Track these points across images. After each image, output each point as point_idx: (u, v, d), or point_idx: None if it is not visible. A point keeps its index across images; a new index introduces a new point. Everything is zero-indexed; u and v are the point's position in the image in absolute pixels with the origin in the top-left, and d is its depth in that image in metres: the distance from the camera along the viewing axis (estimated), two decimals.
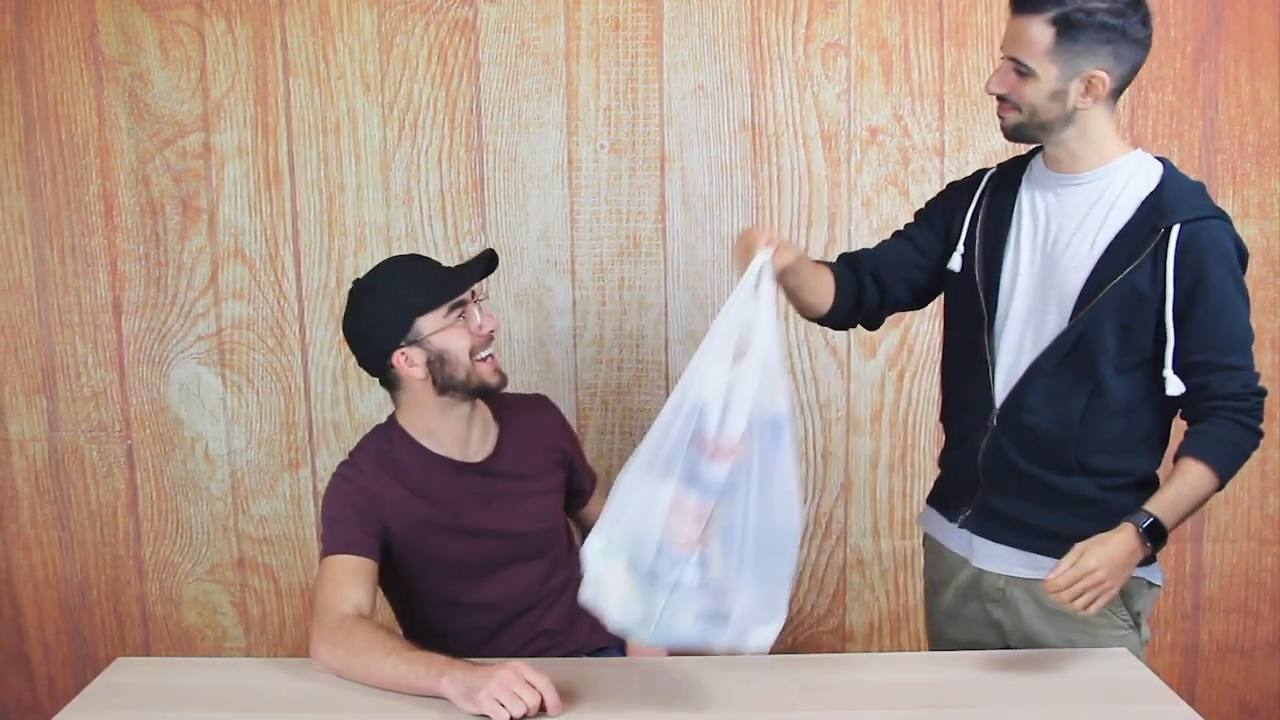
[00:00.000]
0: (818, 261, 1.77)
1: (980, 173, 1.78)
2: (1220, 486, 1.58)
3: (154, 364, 2.50)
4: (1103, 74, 1.53)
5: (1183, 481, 1.54)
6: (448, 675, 1.44)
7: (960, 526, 1.75)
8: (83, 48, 2.38)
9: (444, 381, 1.70)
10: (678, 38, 2.38)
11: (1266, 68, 2.37)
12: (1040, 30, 1.52)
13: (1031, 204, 1.67)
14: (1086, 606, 1.47)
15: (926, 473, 2.48)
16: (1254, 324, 2.38)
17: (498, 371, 1.75)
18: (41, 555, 2.58)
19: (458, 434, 1.77)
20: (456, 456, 1.77)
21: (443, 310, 1.68)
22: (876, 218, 2.41)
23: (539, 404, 1.93)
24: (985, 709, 1.48)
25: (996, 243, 1.68)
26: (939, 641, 1.85)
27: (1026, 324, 1.65)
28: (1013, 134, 1.63)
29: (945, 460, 1.83)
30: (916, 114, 2.39)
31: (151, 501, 2.55)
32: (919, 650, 2.49)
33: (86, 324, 2.49)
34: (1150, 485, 1.65)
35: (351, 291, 1.74)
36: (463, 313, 1.71)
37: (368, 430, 1.86)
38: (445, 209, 2.43)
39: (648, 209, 2.43)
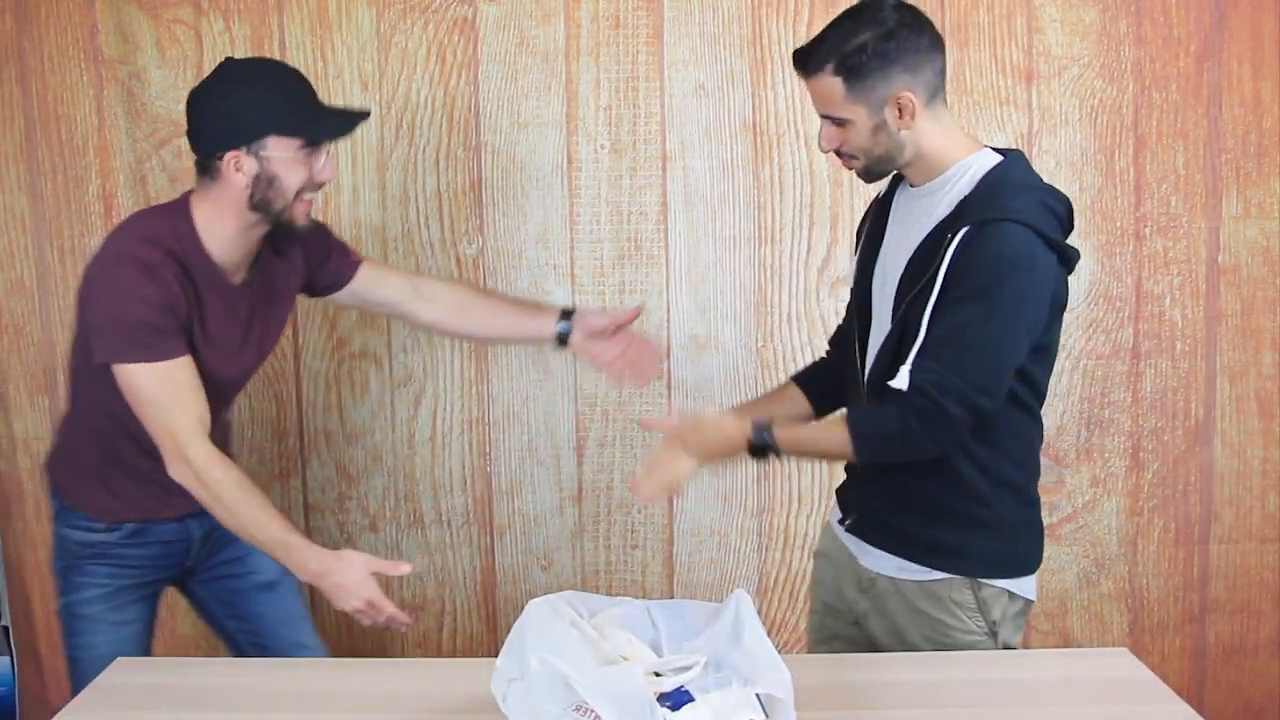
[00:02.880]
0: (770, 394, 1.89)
1: (877, 198, 1.80)
2: (850, 458, 1.60)
3: None
4: (906, 93, 1.54)
5: (819, 424, 1.75)
6: (325, 576, 1.60)
7: (847, 530, 1.76)
8: (82, 48, 2.39)
9: (260, 203, 1.66)
10: (678, 36, 2.37)
11: (1268, 67, 2.37)
12: (830, 83, 1.56)
13: (894, 216, 1.70)
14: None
15: None
16: (1255, 324, 2.40)
17: (307, 214, 1.71)
18: (47, 554, 2.53)
19: (241, 253, 1.73)
20: (230, 277, 1.73)
21: (299, 142, 1.64)
22: None
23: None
24: (985, 709, 1.48)
25: (870, 258, 1.72)
26: (813, 602, 1.90)
27: (880, 334, 1.66)
28: (866, 177, 1.66)
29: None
30: None
31: None
32: None
33: None
34: (1017, 490, 1.66)
35: (225, 66, 1.69)
36: (312, 152, 1.67)
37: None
38: (442, 210, 2.42)
39: (649, 210, 2.42)
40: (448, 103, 2.39)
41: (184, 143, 2.38)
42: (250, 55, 1.71)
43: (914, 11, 1.57)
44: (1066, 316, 2.45)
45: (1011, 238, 1.48)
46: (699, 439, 1.63)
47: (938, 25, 2.33)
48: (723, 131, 2.40)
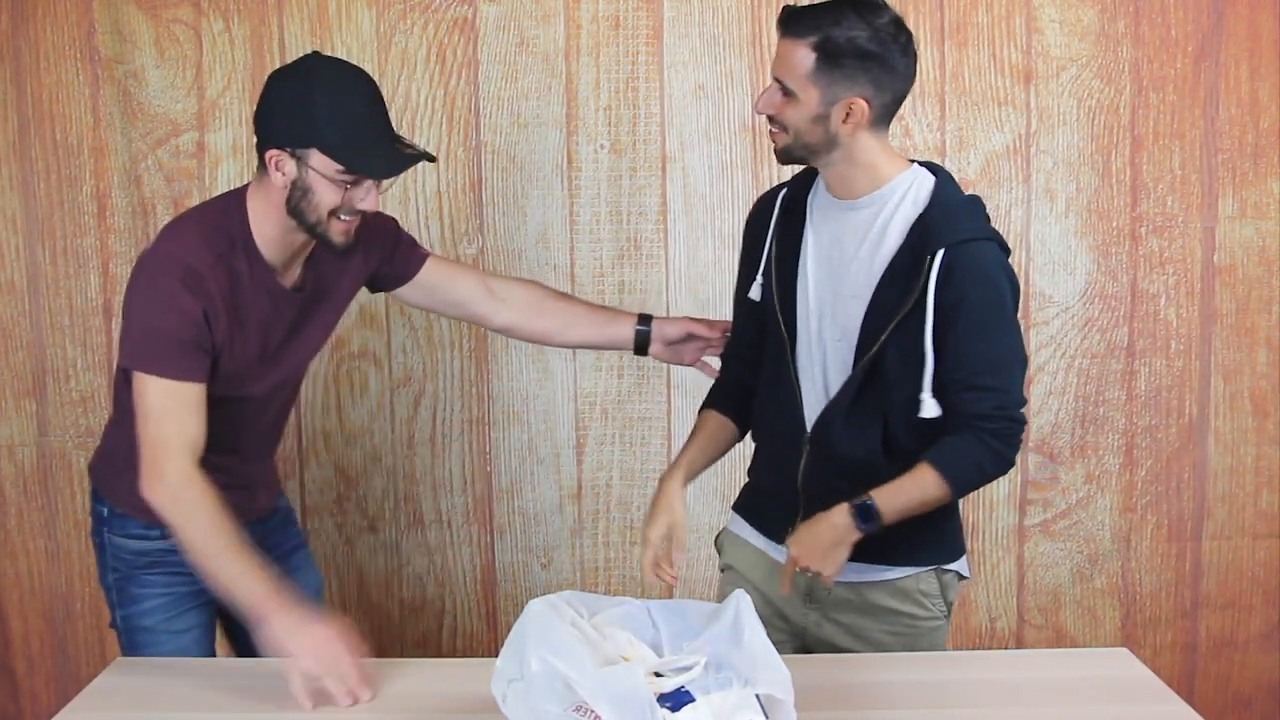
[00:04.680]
0: (692, 431, 1.81)
1: (774, 193, 1.75)
2: (949, 498, 1.60)
3: None
4: (862, 102, 1.54)
5: (909, 479, 1.58)
6: (269, 619, 1.47)
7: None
8: (79, 47, 2.36)
9: (295, 210, 1.59)
10: (678, 37, 2.37)
11: (1266, 68, 2.38)
12: (803, 54, 1.53)
13: (816, 228, 1.67)
14: (817, 576, 1.57)
15: None
16: (1250, 323, 2.43)
17: (346, 234, 1.62)
18: (28, 564, 2.53)
19: (289, 253, 1.65)
20: (280, 277, 1.66)
21: (340, 166, 1.55)
22: None
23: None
24: (985, 709, 1.48)
25: (790, 268, 1.68)
26: None
27: (821, 351, 1.65)
28: (782, 156, 1.63)
29: (760, 481, 1.81)
30: (917, 114, 2.38)
31: None
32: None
33: (77, 326, 2.45)
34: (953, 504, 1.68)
35: (307, 60, 1.60)
36: (356, 180, 1.58)
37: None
38: (442, 210, 2.41)
39: (649, 210, 2.42)
40: (448, 103, 2.38)
41: (181, 143, 2.40)
42: (301, 58, 1.61)
43: (909, 36, 1.56)
44: (1063, 315, 2.50)
45: (991, 255, 1.58)
46: (811, 547, 1.58)
47: (937, 25, 2.38)
48: (722, 132, 2.40)
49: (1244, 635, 2.56)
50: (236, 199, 1.65)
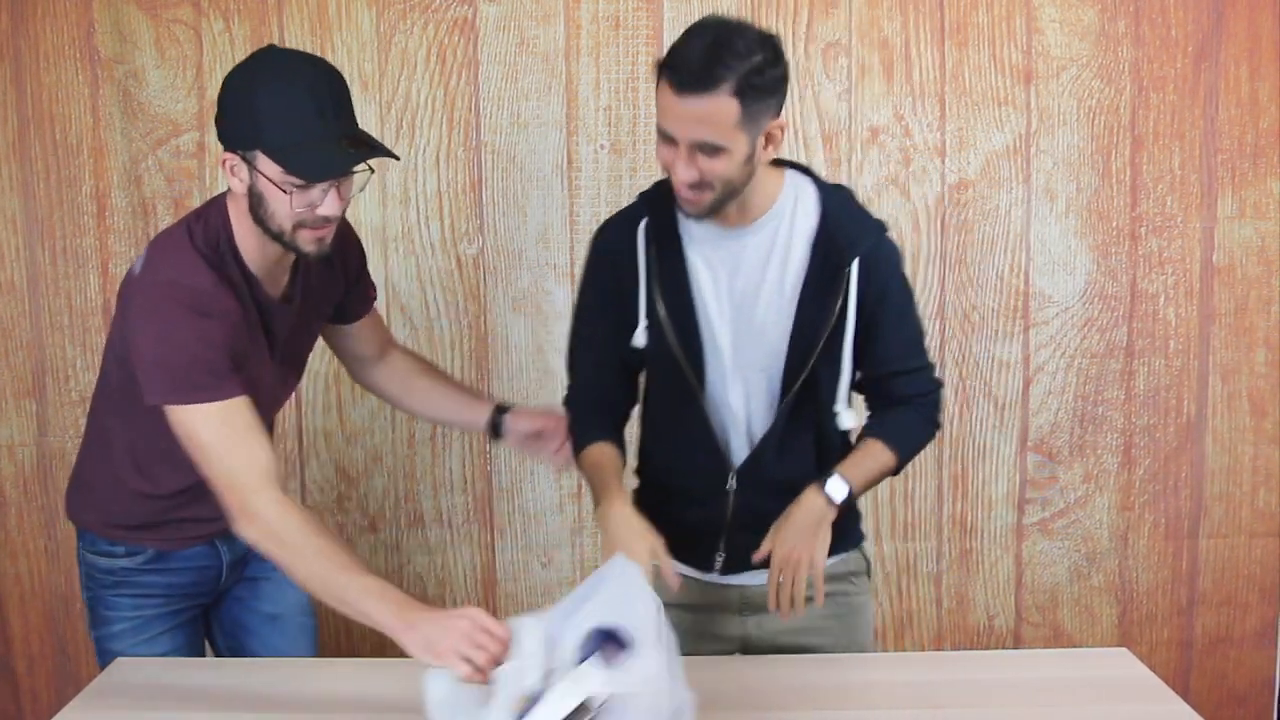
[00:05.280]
0: (596, 462, 1.66)
1: (628, 224, 1.62)
2: (897, 470, 1.66)
3: None
4: (779, 120, 1.47)
5: (864, 454, 1.62)
6: (411, 625, 1.33)
7: (721, 574, 1.71)
8: (79, 47, 2.36)
9: (258, 218, 1.47)
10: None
11: (1266, 68, 2.38)
12: (724, 104, 1.40)
13: (706, 261, 1.58)
14: (806, 594, 1.54)
15: (927, 473, 2.47)
16: (1248, 323, 2.44)
17: (319, 242, 1.49)
18: (28, 564, 2.53)
19: (271, 260, 1.55)
20: (268, 288, 1.57)
21: (282, 169, 1.41)
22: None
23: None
24: (985, 709, 1.49)
25: (683, 309, 1.58)
26: None
27: (741, 386, 1.62)
28: (708, 214, 1.50)
29: (677, 519, 1.64)
30: (917, 114, 2.38)
31: None
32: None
33: (76, 326, 2.45)
34: None
35: (261, 55, 1.49)
36: (305, 185, 1.43)
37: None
38: (442, 210, 2.41)
39: None
40: (448, 103, 2.38)
41: (181, 143, 2.40)
42: (253, 53, 1.51)
43: (776, 38, 1.48)
44: (1062, 315, 2.50)
45: (892, 245, 1.63)
46: (798, 533, 1.55)
47: (937, 25, 2.38)
48: None
49: (1239, 632, 2.57)
50: (218, 209, 1.55)
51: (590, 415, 1.71)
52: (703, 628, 1.72)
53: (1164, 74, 2.38)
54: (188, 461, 1.49)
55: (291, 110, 1.41)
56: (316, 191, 1.44)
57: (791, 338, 1.57)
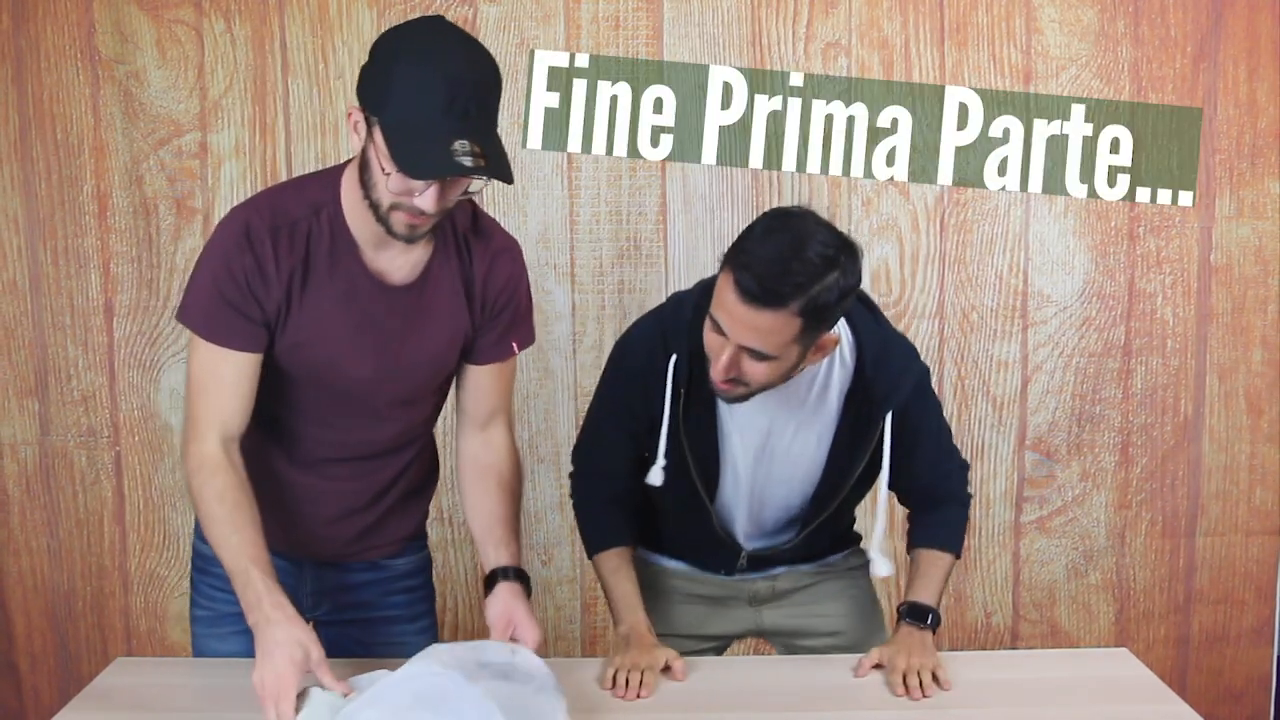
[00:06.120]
0: (616, 570, 1.67)
1: (660, 354, 1.57)
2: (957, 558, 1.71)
3: (144, 368, 2.47)
4: (833, 334, 1.45)
5: (933, 568, 1.65)
6: (255, 629, 1.36)
7: (738, 576, 1.76)
8: (79, 47, 2.36)
9: (363, 179, 1.41)
10: (678, 37, 2.37)
11: (1264, 69, 2.39)
12: (786, 321, 1.36)
13: (736, 421, 1.57)
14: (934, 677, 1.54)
15: None
16: (1245, 322, 2.45)
17: (411, 228, 1.40)
18: (30, 562, 2.54)
19: (379, 234, 1.45)
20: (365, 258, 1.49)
21: (389, 149, 1.35)
22: (876, 218, 2.42)
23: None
24: (985, 709, 1.49)
25: (708, 459, 1.59)
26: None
27: (754, 505, 1.66)
28: (735, 400, 1.49)
29: (687, 552, 1.76)
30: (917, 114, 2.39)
31: (138, 511, 2.51)
32: None
33: (78, 326, 2.46)
34: None
35: (421, 23, 1.40)
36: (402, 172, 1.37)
37: None
38: None
39: (648, 210, 2.42)
40: None
41: (183, 143, 2.40)
42: (422, 16, 1.43)
43: (854, 244, 1.43)
44: (1061, 314, 2.51)
45: (925, 379, 1.63)
46: (909, 649, 1.56)
47: (937, 25, 2.39)
48: None
49: (1236, 630, 2.58)
50: (340, 168, 1.50)
51: (606, 514, 1.69)
52: (715, 614, 1.78)
53: (1163, 74, 2.38)
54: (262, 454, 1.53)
55: (421, 94, 1.32)
56: (416, 182, 1.36)
57: (819, 485, 1.61)
